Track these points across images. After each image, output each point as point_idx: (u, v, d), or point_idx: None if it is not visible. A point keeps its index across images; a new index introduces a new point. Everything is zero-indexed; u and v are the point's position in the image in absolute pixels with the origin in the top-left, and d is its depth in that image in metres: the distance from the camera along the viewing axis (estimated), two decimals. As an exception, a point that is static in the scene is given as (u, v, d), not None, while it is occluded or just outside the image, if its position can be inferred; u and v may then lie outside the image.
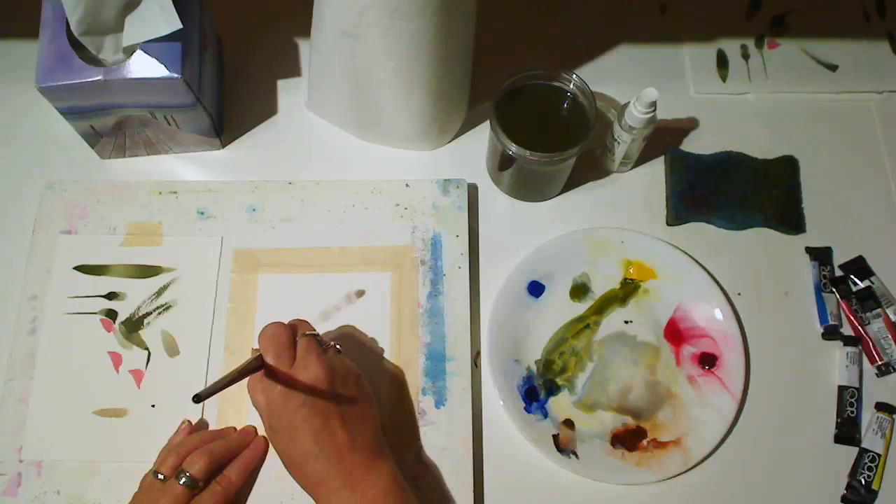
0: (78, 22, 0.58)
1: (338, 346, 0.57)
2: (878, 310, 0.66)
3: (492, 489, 0.61)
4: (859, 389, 0.64)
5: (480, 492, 0.61)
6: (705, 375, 0.65)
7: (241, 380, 0.52)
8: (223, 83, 0.74)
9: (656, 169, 0.73)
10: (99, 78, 0.60)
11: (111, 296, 0.65)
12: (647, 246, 0.68)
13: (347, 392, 0.55)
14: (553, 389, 0.64)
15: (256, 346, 0.55)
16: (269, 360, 0.53)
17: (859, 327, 0.66)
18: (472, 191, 0.71)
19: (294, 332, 0.56)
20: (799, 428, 0.64)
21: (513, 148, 0.62)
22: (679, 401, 0.64)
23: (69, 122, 0.65)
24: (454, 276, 0.66)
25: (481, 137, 0.73)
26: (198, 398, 0.47)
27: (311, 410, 0.52)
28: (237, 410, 0.62)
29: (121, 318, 0.64)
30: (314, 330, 0.57)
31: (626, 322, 0.67)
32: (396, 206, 0.68)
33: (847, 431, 0.63)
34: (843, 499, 0.62)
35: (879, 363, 0.65)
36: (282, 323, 0.56)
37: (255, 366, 0.53)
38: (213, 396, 0.61)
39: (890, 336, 0.66)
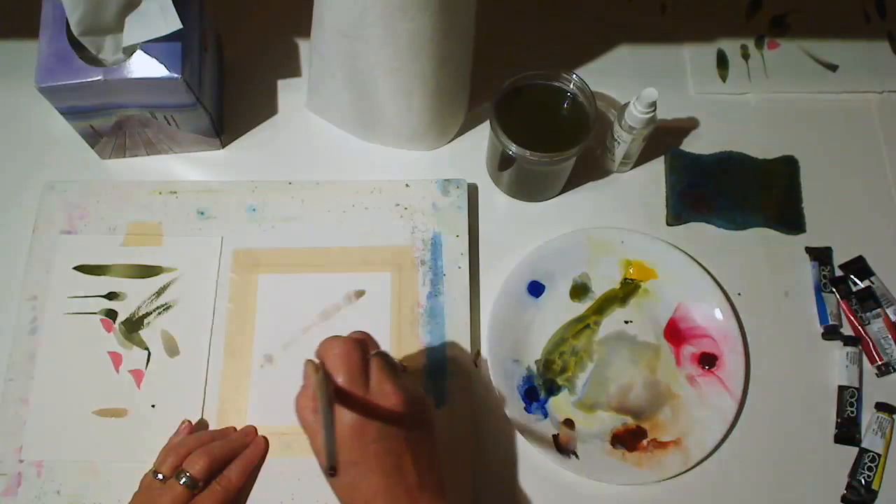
0: (78, 22, 0.58)
1: (404, 366, 0.53)
2: (878, 310, 0.66)
3: (492, 489, 0.61)
4: (859, 389, 0.64)
5: (480, 492, 0.61)
6: (705, 375, 0.65)
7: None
8: (223, 83, 0.74)
9: (656, 169, 0.73)
10: (99, 78, 0.60)
11: (111, 296, 0.65)
12: (647, 246, 0.68)
13: (421, 423, 0.50)
14: (553, 389, 0.64)
15: (314, 358, 0.49)
16: (343, 384, 0.47)
17: (859, 327, 0.66)
18: (472, 191, 0.71)
19: (364, 349, 0.50)
20: (799, 428, 0.64)
21: (513, 148, 0.62)
22: (679, 401, 0.64)
23: (69, 122, 0.65)
24: (454, 276, 0.66)
25: (481, 137, 0.73)
26: (333, 471, 0.42)
27: (386, 446, 0.47)
28: (237, 410, 0.62)
29: (121, 318, 0.64)
30: (378, 345, 0.52)
31: (626, 322, 0.67)
32: (396, 206, 0.68)
33: (847, 431, 0.63)
34: (843, 499, 0.62)
35: (879, 363, 0.65)
36: (349, 339, 0.50)
37: (333, 390, 0.47)
38: (214, 397, 0.62)
39: (890, 336, 0.66)
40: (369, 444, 0.47)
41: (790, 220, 0.71)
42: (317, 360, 0.49)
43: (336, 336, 0.50)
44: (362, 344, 0.50)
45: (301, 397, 0.49)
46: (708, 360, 0.65)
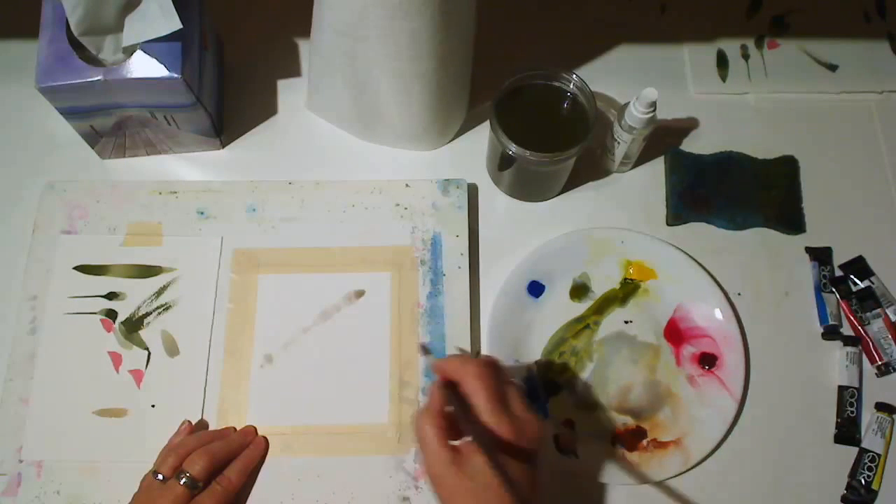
0: (78, 22, 0.58)
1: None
2: (878, 310, 0.66)
3: (492, 489, 0.61)
4: (859, 389, 0.64)
5: (480, 492, 0.61)
6: (705, 375, 0.65)
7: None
8: (223, 83, 0.74)
9: (656, 169, 0.73)
10: (99, 78, 0.60)
11: (111, 296, 0.65)
12: (647, 246, 0.68)
13: (542, 455, 0.50)
14: (553, 389, 0.64)
15: (425, 379, 0.50)
16: (483, 407, 0.47)
17: (859, 327, 0.66)
18: (472, 191, 0.71)
19: (499, 372, 0.50)
20: (799, 428, 0.64)
21: (513, 148, 0.62)
22: (679, 401, 0.64)
23: (69, 122, 0.65)
24: (454, 276, 0.66)
25: (481, 137, 0.73)
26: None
27: (522, 471, 0.48)
28: (237, 410, 0.62)
29: (121, 318, 0.64)
30: (510, 374, 0.51)
31: (626, 322, 0.66)
32: (396, 206, 0.68)
33: (847, 431, 0.63)
34: (843, 499, 0.62)
35: (879, 363, 0.65)
36: (483, 360, 0.49)
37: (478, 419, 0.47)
38: (214, 397, 0.62)
39: (890, 336, 0.66)
40: (508, 468, 0.47)
41: (790, 220, 0.71)
42: (438, 378, 0.50)
43: (465, 355, 0.50)
44: (497, 367, 0.50)
45: (424, 415, 0.49)
46: (708, 360, 0.65)
